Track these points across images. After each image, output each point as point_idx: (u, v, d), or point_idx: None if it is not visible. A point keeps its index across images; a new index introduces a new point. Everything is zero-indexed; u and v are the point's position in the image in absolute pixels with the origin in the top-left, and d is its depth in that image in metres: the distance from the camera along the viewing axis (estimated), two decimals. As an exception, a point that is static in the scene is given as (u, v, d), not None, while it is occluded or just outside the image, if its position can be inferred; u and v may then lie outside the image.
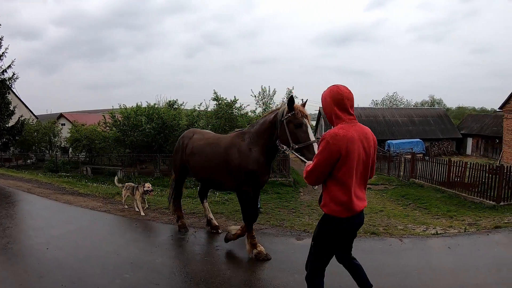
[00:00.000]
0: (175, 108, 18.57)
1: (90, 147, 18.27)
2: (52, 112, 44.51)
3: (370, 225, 6.07)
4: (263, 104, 19.83)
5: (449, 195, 11.08)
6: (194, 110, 18.94)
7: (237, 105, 17.69)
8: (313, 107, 31.40)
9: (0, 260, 4.07)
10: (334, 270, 2.82)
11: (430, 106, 49.40)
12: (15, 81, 19.16)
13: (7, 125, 19.52)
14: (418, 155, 16.27)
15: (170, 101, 19.26)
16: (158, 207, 6.75)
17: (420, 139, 28.41)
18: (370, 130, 2.44)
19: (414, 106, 49.64)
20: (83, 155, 18.34)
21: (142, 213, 6.31)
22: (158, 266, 3.93)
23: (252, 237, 4.08)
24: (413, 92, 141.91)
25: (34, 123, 25.66)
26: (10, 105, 19.66)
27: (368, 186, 12.73)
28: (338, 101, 2.34)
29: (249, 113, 18.90)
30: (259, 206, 6.64)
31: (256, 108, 20.12)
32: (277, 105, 19.34)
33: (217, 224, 5.14)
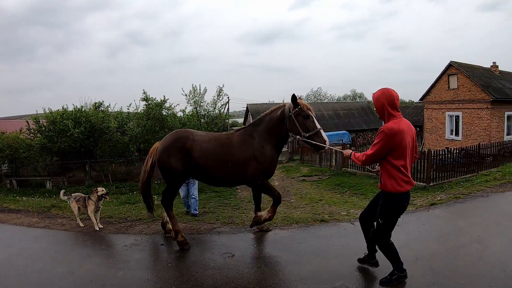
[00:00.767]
0: (102, 110, 17.48)
1: (13, 157, 16.07)
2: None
3: (314, 213, 6.56)
4: (194, 103, 19.58)
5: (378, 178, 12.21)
6: (121, 112, 18.03)
7: (167, 104, 17.42)
8: (240, 104, 31.80)
9: None
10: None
11: (353, 100, 53.43)
12: None
13: None
14: (346, 145, 17.44)
15: (96, 103, 18.05)
16: (100, 216, 6.25)
17: (346, 130, 30.12)
18: (411, 123, 3.16)
19: (337, 100, 53.09)
20: (5, 166, 16.05)
21: (97, 227, 5.80)
22: (122, 281, 3.71)
23: (274, 211, 4.65)
24: (336, 87, 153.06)
25: None
26: None
27: (303, 178, 13.54)
28: (390, 101, 3.01)
29: (179, 113, 18.82)
30: (196, 211, 6.85)
31: (185, 107, 19.92)
32: (207, 103, 19.73)
33: (171, 227, 4.89)
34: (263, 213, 4.67)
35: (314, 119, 4.10)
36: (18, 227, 6.00)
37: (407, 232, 4.94)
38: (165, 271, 3.94)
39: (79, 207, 6.05)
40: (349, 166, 14.99)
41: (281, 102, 33.36)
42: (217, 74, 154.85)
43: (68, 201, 6.24)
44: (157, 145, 4.71)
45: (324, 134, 4.09)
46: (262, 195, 4.99)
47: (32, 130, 15.22)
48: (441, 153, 11.11)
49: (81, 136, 14.24)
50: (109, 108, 18.25)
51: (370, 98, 59.64)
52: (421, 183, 10.32)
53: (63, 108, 15.88)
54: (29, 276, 3.89)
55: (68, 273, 3.93)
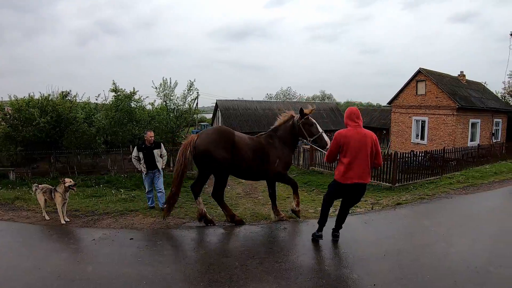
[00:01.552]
0: (69, 99, 16.79)
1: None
2: None
3: (283, 210, 6.56)
4: (164, 96, 19.21)
5: None
6: (89, 102, 17.50)
7: (136, 97, 16.99)
8: (210, 99, 31.50)
9: None
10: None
11: (321, 101, 54.51)
12: None
13: None
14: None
15: (63, 92, 17.29)
16: (66, 209, 6.03)
17: None
18: (370, 132, 4.00)
19: (306, 100, 53.87)
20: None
21: (63, 221, 5.58)
22: (92, 276, 3.57)
23: (298, 197, 5.53)
24: (306, 87, 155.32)
25: None
26: None
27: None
28: (347, 115, 4.05)
29: (148, 105, 18.43)
30: (153, 204, 6.89)
31: (154, 100, 19.57)
32: (177, 97, 19.64)
33: (210, 218, 5.45)
34: (293, 204, 5.56)
35: (317, 126, 5.13)
36: (-21, 221, 5.59)
37: (375, 229, 5.19)
38: (136, 265, 3.84)
39: (45, 199, 5.80)
40: (316, 165, 15.05)
41: (251, 99, 32.55)
42: (187, 68, 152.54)
43: (34, 193, 5.99)
44: (193, 137, 5.06)
45: (325, 136, 5.07)
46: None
47: (-5, 118, 14.26)
48: (407, 155, 11.58)
49: (47, 125, 13.50)
50: (76, 98, 17.50)
51: (338, 99, 61.43)
52: (387, 184, 10.66)
53: (29, 95, 15.01)
54: None
55: (35, 269, 3.74)
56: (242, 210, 6.86)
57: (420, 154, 11.85)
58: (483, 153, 14.02)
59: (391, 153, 11.85)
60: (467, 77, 22.72)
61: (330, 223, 4.52)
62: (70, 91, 17.35)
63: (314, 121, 5.17)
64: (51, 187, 5.88)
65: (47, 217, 5.76)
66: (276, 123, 5.48)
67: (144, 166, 6.68)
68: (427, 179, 10.92)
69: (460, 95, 19.88)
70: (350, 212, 6.23)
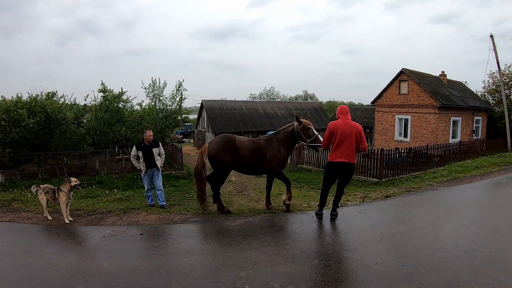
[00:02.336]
0: (55, 100, 16.67)
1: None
2: None
3: (277, 205, 6.90)
4: (153, 96, 19.36)
5: None
6: (75, 103, 17.46)
7: (124, 97, 17.20)
8: (195, 100, 31.14)
9: None
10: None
11: (304, 100, 55.19)
12: None
13: None
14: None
15: (49, 93, 17.14)
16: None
17: None
18: (356, 123, 5.08)
19: (289, 100, 54.53)
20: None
21: (67, 220, 5.64)
22: (110, 270, 3.66)
23: (290, 192, 6.25)
24: (288, 87, 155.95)
25: None
26: None
27: (262, 175, 13.52)
28: (339, 111, 5.15)
29: (136, 106, 18.66)
30: (164, 203, 7.12)
31: (142, 101, 19.67)
32: (166, 97, 19.95)
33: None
34: (285, 198, 6.25)
35: (313, 129, 6.02)
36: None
37: (369, 217, 5.61)
38: (152, 258, 3.94)
39: (47, 199, 5.82)
40: (305, 163, 15.56)
41: (234, 99, 33.81)
42: (169, 68, 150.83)
43: (36, 193, 5.96)
44: (206, 146, 6.19)
45: (320, 137, 5.92)
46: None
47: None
48: (392, 152, 12.13)
49: (36, 126, 13.33)
50: (63, 99, 17.35)
51: (321, 99, 62.32)
52: (374, 179, 11.23)
53: (17, 96, 14.86)
54: (5, 272, 3.65)
55: (50, 266, 3.77)
56: (237, 207, 7.12)
57: (403, 151, 12.44)
58: (464, 149, 14.78)
59: (375, 150, 12.37)
60: (448, 77, 23.62)
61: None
62: (56, 91, 17.24)
63: (311, 126, 6.07)
64: (53, 187, 5.91)
65: (49, 217, 5.79)
66: (279, 129, 6.44)
67: (144, 165, 6.80)
68: (412, 174, 11.50)
69: (442, 94, 20.71)
70: (344, 204, 6.68)
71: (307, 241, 4.49)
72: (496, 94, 25.08)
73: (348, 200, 7.59)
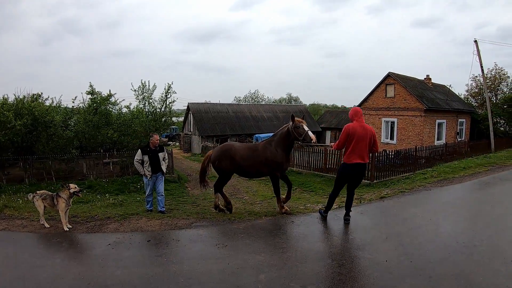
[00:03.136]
0: (41, 102, 16.27)
1: None
2: None
3: (274, 208, 7.07)
4: (143, 99, 19.02)
5: (328, 178, 12.67)
6: (60, 105, 17.08)
7: (112, 99, 16.87)
8: (180, 102, 30.45)
9: None
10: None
11: (288, 103, 55.63)
12: None
13: None
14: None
15: (34, 95, 16.74)
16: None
17: None
18: (370, 126, 5.22)
19: (273, 102, 54.78)
20: None
21: (66, 228, 5.49)
22: (124, 279, 3.59)
23: (281, 202, 6.55)
24: (273, 90, 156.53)
25: None
26: None
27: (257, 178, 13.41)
28: (354, 113, 5.20)
29: (124, 109, 18.34)
30: (164, 209, 7.03)
31: (130, 104, 19.48)
32: (155, 99, 19.66)
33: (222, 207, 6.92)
34: (283, 197, 6.59)
35: (304, 126, 6.04)
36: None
37: (372, 218, 5.80)
38: (165, 265, 3.89)
39: (45, 206, 5.63)
40: (295, 166, 15.49)
41: (218, 101, 34.34)
42: (153, 70, 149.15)
43: (33, 200, 5.75)
44: (210, 153, 6.90)
45: (310, 133, 5.94)
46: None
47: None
48: (381, 154, 12.44)
49: (23, 129, 12.92)
50: (50, 100, 16.97)
51: (305, 101, 62.76)
52: (366, 181, 11.40)
53: (3, 97, 14.39)
54: (12, 285, 3.51)
55: (58, 278, 3.61)
56: (234, 210, 7.13)
57: (391, 153, 12.79)
58: (450, 151, 15.29)
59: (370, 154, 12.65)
60: (432, 80, 24.34)
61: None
62: (42, 93, 16.82)
63: (302, 124, 6.13)
64: (51, 193, 5.74)
65: (46, 225, 5.59)
66: (277, 131, 6.62)
67: (149, 169, 6.72)
68: (402, 175, 11.81)
69: (427, 97, 21.38)
70: (337, 206, 6.79)
71: (317, 242, 4.62)
72: (479, 97, 26.25)
73: (343, 201, 7.73)
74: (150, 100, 19.14)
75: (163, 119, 19.44)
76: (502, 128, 25.01)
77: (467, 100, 26.96)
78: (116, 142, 17.39)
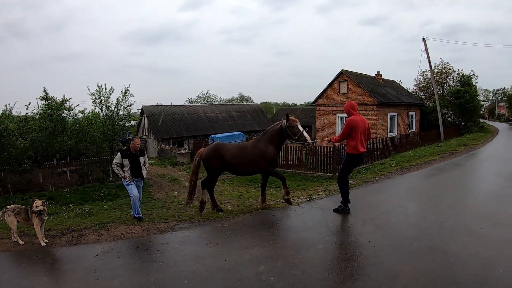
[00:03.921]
0: None
1: None
2: None
3: (246, 205, 7.31)
4: (100, 103, 18.36)
5: (291, 174, 13.08)
6: (9, 114, 15.92)
7: (67, 104, 16.36)
8: (135, 106, 28.57)
9: None
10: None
11: (239, 103, 56.32)
12: None
13: None
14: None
15: None
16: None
17: (240, 131, 30.33)
18: (364, 118, 5.69)
19: (225, 102, 54.73)
20: None
21: (43, 243, 5.15)
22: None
23: (264, 196, 6.80)
24: (224, 89, 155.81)
25: None
26: None
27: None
28: (351, 107, 5.63)
29: (79, 114, 17.84)
30: (140, 215, 6.77)
31: (85, 108, 18.82)
32: (112, 103, 18.97)
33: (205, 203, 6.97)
34: (283, 193, 6.69)
35: (299, 126, 6.25)
36: None
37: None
38: (163, 269, 3.90)
39: (18, 221, 5.23)
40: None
41: (170, 103, 33.19)
42: (102, 73, 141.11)
43: (3, 216, 5.27)
44: (202, 150, 7.01)
45: (306, 134, 6.17)
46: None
47: None
48: (338, 149, 13.21)
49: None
50: (6, 107, 15.69)
51: (256, 100, 63.77)
52: (328, 174, 12.12)
53: (-50, 106, 12.96)
54: None
55: None
56: (206, 210, 7.18)
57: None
58: (403, 142, 16.62)
59: (320, 147, 13.33)
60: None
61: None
62: (-9, 100, 15.46)
63: (297, 123, 6.29)
64: (24, 206, 5.35)
65: (20, 242, 5.20)
66: (268, 128, 6.84)
67: (129, 173, 6.56)
68: (362, 166, 12.63)
69: (379, 92, 22.92)
70: (317, 196, 7.40)
71: (302, 232, 4.95)
72: (427, 91, 28.76)
73: (311, 194, 8.00)
74: (108, 104, 18.48)
75: (121, 123, 18.80)
76: (449, 119, 27.67)
77: (416, 94, 29.37)
78: (71, 149, 16.48)
